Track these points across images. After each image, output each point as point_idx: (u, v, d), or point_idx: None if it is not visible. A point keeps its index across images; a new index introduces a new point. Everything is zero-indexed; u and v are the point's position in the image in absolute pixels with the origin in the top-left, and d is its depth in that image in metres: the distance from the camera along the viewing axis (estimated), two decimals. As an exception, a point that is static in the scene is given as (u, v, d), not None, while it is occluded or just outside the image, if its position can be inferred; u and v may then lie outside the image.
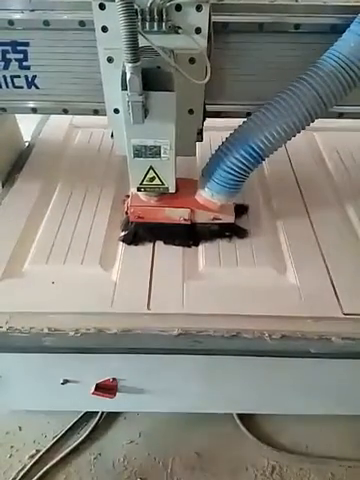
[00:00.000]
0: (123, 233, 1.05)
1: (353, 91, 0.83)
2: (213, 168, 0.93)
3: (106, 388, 0.93)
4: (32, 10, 0.83)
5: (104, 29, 0.76)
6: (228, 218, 1.02)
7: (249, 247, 1.03)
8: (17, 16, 0.84)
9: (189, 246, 1.03)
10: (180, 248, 1.01)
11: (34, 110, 0.99)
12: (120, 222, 1.07)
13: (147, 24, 0.73)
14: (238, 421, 1.29)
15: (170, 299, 0.90)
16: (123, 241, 1.04)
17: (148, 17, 0.72)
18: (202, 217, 1.01)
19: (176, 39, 0.76)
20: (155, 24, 0.73)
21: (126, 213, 1.03)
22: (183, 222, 1.01)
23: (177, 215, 1.00)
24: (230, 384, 0.96)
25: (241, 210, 1.10)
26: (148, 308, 0.88)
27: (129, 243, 1.03)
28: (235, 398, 1.03)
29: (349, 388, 0.95)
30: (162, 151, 0.84)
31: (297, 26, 0.82)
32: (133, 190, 0.96)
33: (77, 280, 0.93)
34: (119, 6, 0.62)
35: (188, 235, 1.03)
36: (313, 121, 0.85)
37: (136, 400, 0.99)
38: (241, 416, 1.30)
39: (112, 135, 0.91)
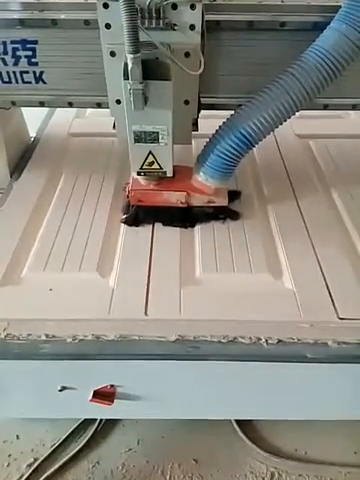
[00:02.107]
0: (124, 216, 1.13)
1: (335, 84, 0.92)
2: (207, 153, 1.02)
3: (104, 395, 0.93)
4: (41, 10, 0.92)
5: (107, 26, 0.85)
6: (222, 201, 1.10)
7: (243, 238, 1.08)
8: (27, 16, 0.92)
9: (186, 227, 1.11)
10: (178, 253, 1.03)
11: (42, 103, 1.07)
12: (121, 208, 1.16)
13: (146, 21, 0.82)
14: (236, 427, 1.29)
15: (167, 305, 0.91)
16: (124, 223, 1.12)
17: (147, 15, 0.82)
18: (197, 200, 1.09)
19: (172, 35, 0.85)
20: (153, 21, 0.82)
21: (127, 197, 1.11)
22: (180, 205, 1.09)
23: (174, 198, 1.08)
24: (228, 390, 0.96)
25: (234, 195, 1.19)
26: (145, 314, 0.88)
27: (130, 225, 1.11)
28: (233, 404, 1.03)
29: (346, 393, 0.95)
30: (160, 137, 0.92)
31: (283, 24, 0.92)
32: (133, 174, 1.04)
33: (75, 287, 0.94)
34: (121, 4, 0.72)
35: (185, 217, 1.11)
36: (298, 110, 0.94)
37: (134, 407, 0.99)
38: (239, 422, 1.29)
39: (114, 126, 1.00)
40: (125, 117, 0.89)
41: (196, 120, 1.01)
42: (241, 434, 1.28)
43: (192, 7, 0.82)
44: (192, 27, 0.84)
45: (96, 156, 1.39)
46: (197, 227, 1.11)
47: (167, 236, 1.09)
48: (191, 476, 1.21)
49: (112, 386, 0.93)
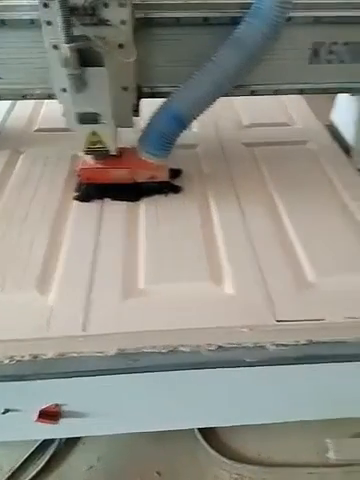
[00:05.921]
0: (76, 194, 1.27)
1: (260, 72, 1.11)
2: (146, 134, 1.17)
3: (50, 414, 0.91)
4: None
5: (49, 23, 0.98)
6: (163, 176, 1.25)
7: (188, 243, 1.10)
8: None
9: (132, 201, 1.24)
10: (120, 265, 1.02)
11: None
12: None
13: (82, 18, 0.95)
14: (199, 436, 1.29)
15: (109, 319, 0.90)
16: (76, 199, 1.25)
17: (83, 12, 0.95)
18: (141, 176, 1.24)
19: (106, 29, 0.98)
20: (88, 18, 0.96)
21: (78, 176, 1.25)
22: (126, 181, 1.23)
23: (120, 175, 1.22)
24: (174, 400, 0.95)
25: (176, 173, 1.34)
26: (85, 330, 0.87)
27: (81, 201, 1.25)
28: (181, 413, 1.02)
29: (289, 394, 0.96)
30: (101, 117, 1.06)
31: (206, 19, 1.07)
32: (81, 154, 1.18)
33: (12, 306, 0.92)
34: (57, 3, 0.87)
35: (131, 192, 1.25)
36: (223, 92, 1.09)
37: (83, 424, 0.98)
38: (202, 431, 1.29)
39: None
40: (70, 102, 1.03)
41: (137, 106, 1.16)
42: (203, 442, 1.28)
43: (121, 5, 0.96)
44: (123, 22, 0.98)
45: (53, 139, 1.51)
46: (142, 234, 1.13)
47: (111, 241, 1.10)
48: (154, 489, 1.20)
49: (57, 405, 0.91)
